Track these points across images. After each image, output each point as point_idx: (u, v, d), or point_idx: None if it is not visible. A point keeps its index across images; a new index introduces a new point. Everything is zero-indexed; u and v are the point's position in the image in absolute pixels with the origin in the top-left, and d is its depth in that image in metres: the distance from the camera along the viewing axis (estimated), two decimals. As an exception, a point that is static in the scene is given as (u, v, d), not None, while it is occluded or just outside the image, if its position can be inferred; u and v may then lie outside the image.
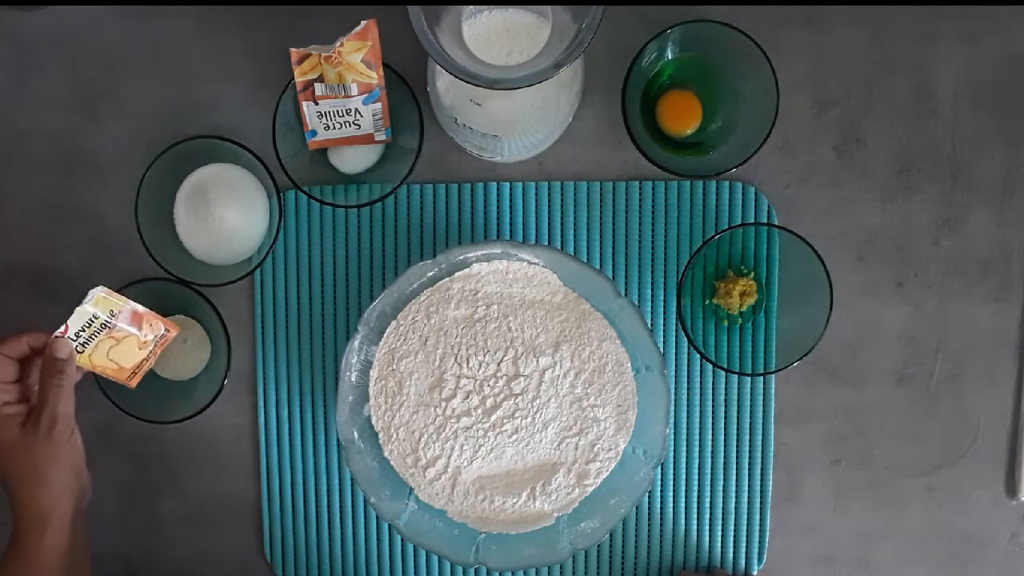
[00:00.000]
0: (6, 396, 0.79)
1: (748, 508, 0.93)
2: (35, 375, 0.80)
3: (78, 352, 0.81)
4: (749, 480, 0.92)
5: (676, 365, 0.92)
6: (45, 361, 0.78)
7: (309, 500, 0.93)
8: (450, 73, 0.69)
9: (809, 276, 0.85)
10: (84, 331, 0.81)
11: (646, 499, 0.93)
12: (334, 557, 0.93)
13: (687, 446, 0.92)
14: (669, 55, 0.87)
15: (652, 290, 0.92)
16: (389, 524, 0.85)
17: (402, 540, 0.93)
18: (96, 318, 0.81)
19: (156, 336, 0.85)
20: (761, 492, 0.92)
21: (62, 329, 0.80)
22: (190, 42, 0.90)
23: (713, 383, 0.92)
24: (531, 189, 0.91)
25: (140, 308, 0.83)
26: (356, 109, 0.83)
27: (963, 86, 0.90)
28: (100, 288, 0.80)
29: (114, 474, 0.92)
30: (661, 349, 0.88)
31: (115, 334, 0.82)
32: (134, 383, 0.87)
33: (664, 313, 0.92)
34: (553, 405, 0.85)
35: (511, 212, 0.91)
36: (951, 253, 0.91)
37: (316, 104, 0.83)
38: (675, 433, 0.92)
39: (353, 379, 0.84)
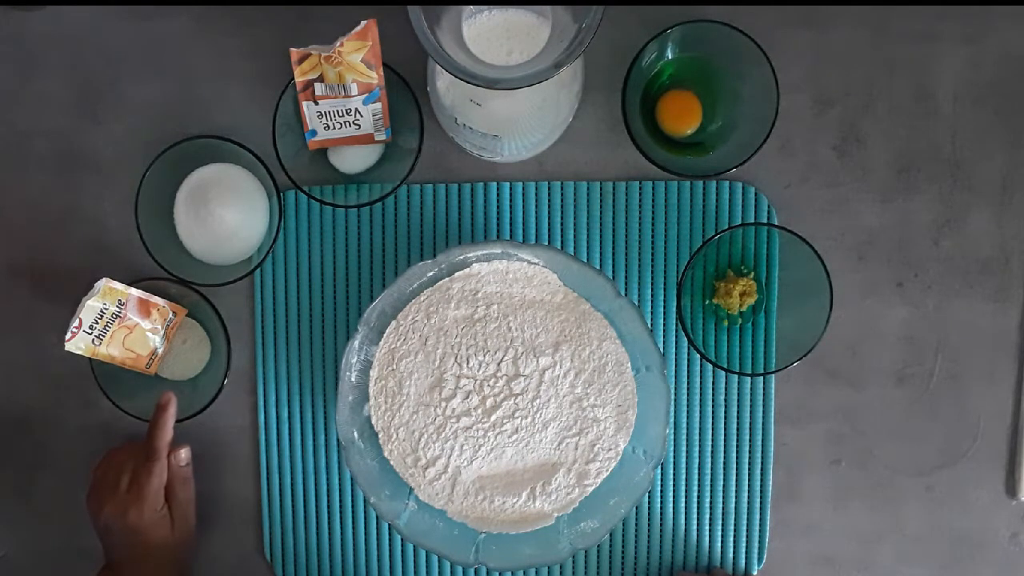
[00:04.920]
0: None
1: (748, 508, 0.93)
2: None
3: (94, 345, 0.83)
4: (749, 480, 0.92)
5: (676, 365, 0.92)
6: (173, 470, 0.86)
7: (309, 500, 0.93)
8: (450, 73, 0.69)
9: (809, 276, 0.85)
10: (97, 323, 0.83)
11: (646, 499, 0.93)
12: (334, 557, 0.93)
13: (687, 446, 0.92)
14: (669, 55, 0.87)
15: (652, 290, 0.92)
16: (389, 524, 0.85)
17: (402, 540, 0.93)
18: (106, 309, 0.83)
19: (166, 321, 0.87)
20: (761, 492, 0.92)
21: (76, 324, 0.81)
22: (190, 42, 0.90)
23: (713, 383, 0.92)
24: (531, 189, 0.91)
25: (145, 295, 0.85)
26: (356, 109, 0.83)
27: (963, 86, 0.90)
28: (105, 279, 0.82)
29: (114, 474, 0.92)
30: (661, 349, 0.88)
31: (127, 323, 0.84)
32: (154, 369, 0.89)
33: (664, 313, 0.92)
34: (553, 405, 0.85)
35: (511, 212, 0.91)
36: (951, 253, 0.91)
37: (316, 104, 0.83)
38: (675, 433, 0.92)
39: (353, 379, 0.84)
